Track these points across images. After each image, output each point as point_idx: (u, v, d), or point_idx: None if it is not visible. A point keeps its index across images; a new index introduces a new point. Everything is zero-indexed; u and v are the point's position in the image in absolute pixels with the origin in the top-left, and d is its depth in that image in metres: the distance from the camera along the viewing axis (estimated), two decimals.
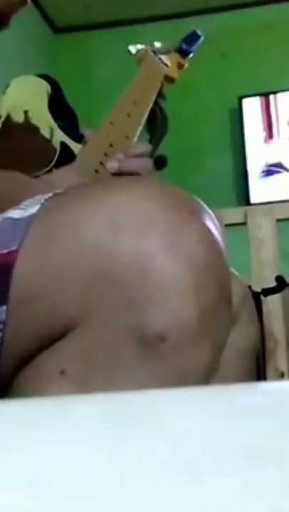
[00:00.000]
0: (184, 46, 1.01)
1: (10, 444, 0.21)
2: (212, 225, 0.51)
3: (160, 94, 0.99)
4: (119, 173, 0.84)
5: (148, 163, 0.86)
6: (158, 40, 1.04)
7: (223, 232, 0.53)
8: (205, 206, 0.53)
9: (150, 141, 0.99)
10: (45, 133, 0.91)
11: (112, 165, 0.84)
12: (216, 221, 0.52)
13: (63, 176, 0.84)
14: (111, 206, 0.50)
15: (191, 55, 1.02)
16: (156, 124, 0.98)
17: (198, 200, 0.54)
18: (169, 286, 0.48)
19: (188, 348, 0.48)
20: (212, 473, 0.19)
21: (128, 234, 0.48)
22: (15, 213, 0.55)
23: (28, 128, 0.91)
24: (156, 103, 0.98)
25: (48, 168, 0.87)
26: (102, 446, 0.21)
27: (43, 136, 0.91)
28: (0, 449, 0.21)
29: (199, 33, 1.02)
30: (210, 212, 0.53)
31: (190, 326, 0.48)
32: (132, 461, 0.20)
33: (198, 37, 1.02)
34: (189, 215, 0.50)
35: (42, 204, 0.54)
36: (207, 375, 0.51)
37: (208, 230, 0.50)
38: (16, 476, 0.19)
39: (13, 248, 0.52)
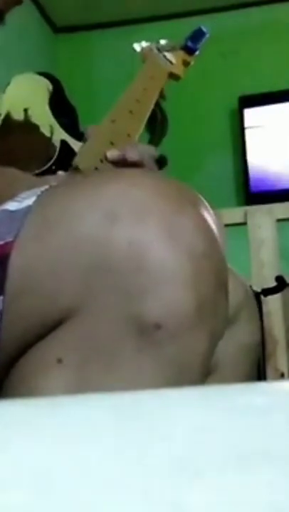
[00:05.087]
0: (190, 43, 1.01)
1: (10, 443, 0.21)
2: (209, 215, 0.51)
3: (160, 95, 0.99)
4: (120, 163, 0.84)
5: (153, 150, 0.85)
6: (158, 40, 1.04)
7: (222, 232, 0.53)
8: (201, 197, 0.53)
9: (150, 141, 0.99)
10: (45, 131, 0.91)
11: (112, 153, 0.83)
12: (212, 212, 0.52)
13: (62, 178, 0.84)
14: (107, 195, 0.50)
15: (197, 53, 1.02)
16: (156, 124, 0.98)
17: (195, 191, 0.54)
18: (166, 275, 0.48)
19: (185, 336, 0.48)
20: (212, 473, 0.19)
21: (125, 223, 0.48)
22: (11, 205, 0.56)
23: (28, 126, 0.91)
24: (156, 103, 0.98)
25: (47, 166, 0.87)
26: (101, 446, 0.21)
27: (43, 134, 0.91)
28: (1, 448, 0.21)
29: (205, 30, 1.01)
30: (207, 203, 0.53)
31: (187, 314, 0.48)
32: (132, 461, 0.20)
33: (203, 34, 1.02)
34: (186, 204, 0.50)
35: (38, 196, 0.55)
36: (205, 364, 0.51)
37: (205, 219, 0.51)
38: (16, 476, 0.19)
39: (9, 239, 0.52)
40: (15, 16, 0.80)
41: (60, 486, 0.18)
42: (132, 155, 0.83)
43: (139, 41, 1.03)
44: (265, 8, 2.71)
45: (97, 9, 2.72)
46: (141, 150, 0.84)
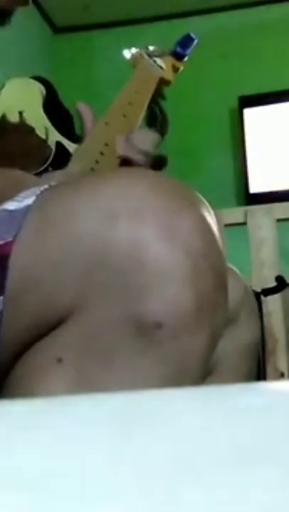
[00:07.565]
0: (179, 49, 1.01)
1: (9, 443, 0.21)
2: (207, 213, 0.52)
3: (160, 94, 0.99)
4: (125, 159, 0.85)
5: (156, 138, 0.86)
6: (158, 39, 1.05)
7: (220, 231, 0.53)
8: (200, 196, 0.54)
9: None
10: (40, 133, 0.92)
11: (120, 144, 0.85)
12: (211, 211, 0.53)
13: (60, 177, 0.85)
14: (106, 195, 0.50)
15: (185, 59, 1.03)
16: (156, 124, 0.98)
17: (194, 190, 0.54)
18: (166, 274, 0.48)
19: (185, 335, 0.48)
20: (212, 473, 0.19)
21: (124, 222, 0.49)
22: (10, 205, 0.56)
23: (23, 128, 0.92)
24: (156, 103, 0.98)
25: (43, 167, 0.87)
26: (102, 446, 0.21)
27: (38, 136, 0.92)
28: (1, 448, 0.21)
29: (193, 36, 1.02)
30: (205, 202, 0.53)
31: (187, 313, 0.48)
32: (132, 461, 0.20)
33: (192, 40, 1.02)
34: (185, 203, 0.50)
35: (37, 195, 0.55)
36: (204, 363, 0.51)
37: (204, 217, 0.51)
38: (17, 476, 0.19)
39: (9, 239, 0.52)
40: (15, 16, 0.80)
41: (60, 486, 0.18)
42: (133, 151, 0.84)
43: (139, 42, 1.04)
44: (265, 8, 2.71)
45: (97, 9, 2.72)
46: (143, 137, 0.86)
